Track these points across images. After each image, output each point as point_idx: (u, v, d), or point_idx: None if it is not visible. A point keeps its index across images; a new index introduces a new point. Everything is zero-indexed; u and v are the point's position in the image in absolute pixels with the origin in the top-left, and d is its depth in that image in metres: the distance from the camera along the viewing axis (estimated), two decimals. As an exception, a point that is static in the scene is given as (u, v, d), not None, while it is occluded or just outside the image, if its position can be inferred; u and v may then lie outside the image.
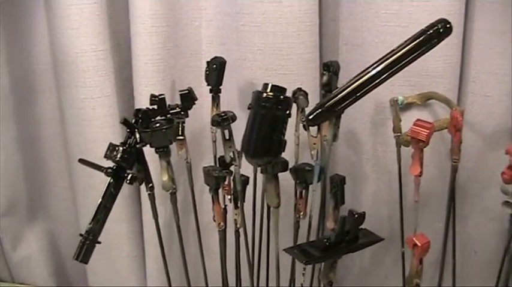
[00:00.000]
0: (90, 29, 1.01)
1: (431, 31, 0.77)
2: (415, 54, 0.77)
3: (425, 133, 0.78)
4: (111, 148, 0.76)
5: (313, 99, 0.94)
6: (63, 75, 1.06)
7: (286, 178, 0.90)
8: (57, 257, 1.31)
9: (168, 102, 0.94)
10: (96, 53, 1.02)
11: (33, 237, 1.28)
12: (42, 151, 1.24)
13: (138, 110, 0.82)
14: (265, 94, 0.66)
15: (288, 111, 0.67)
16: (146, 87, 1.01)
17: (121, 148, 0.76)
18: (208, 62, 0.96)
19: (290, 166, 0.86)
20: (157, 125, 0.81)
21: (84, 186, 1.14)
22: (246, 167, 0.86)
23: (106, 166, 0.77)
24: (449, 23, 0.77)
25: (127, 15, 1.01)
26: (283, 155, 0.89)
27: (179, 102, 0.94)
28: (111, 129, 1.07)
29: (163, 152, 0.83)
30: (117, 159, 0.75)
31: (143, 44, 0.99)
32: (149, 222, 0.95)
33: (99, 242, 0.76)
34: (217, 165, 0.94)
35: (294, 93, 0.90)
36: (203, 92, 1.01)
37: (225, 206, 0.94)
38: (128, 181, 0.77)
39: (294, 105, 0.89)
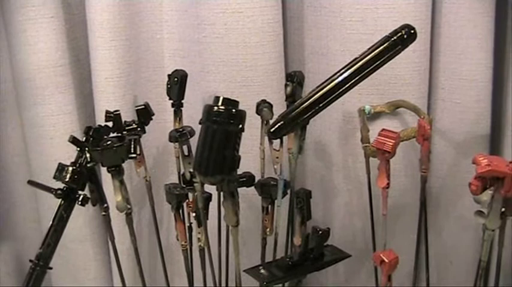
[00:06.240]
0: (47, 45, 0.97)
1: (395, 37, 0.73)
2: (379, 61, 0.73)
3: (391, 144, 0.76)
4: (60, 168, 0.73)
5: (279, 111, 0.91)
6: (23, 92, 1.02)
7: (255, 192, 0.87)
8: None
9: (130, 118, 0.91)
10: (55, 69, 0.99)
11: (1, 260, 1.24)
12: (7, 171, 1.19)
13: (89, 127, 0.79)
14: (216, 108, 0.63)
15: (240, 126, 0.64)
16: (107, 103, 0.97)
17: (70, 168, 0.72)
18: (169, 76, 0.93)
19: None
20: (108, 143, 0.78)
21: (50, 207, 1.09)
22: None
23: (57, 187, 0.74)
24: (413, 28, 0.74)
25: (86, 29, 0.98)
26: (250, 169, 0.87)
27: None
28: (73, 147, 1.02)
29: (116, 171, 0.79)
30: (67, 180, 0.72)
31: (102, 59, 0.96)
32: (116, 243, 0.92)
33: (51, 268, 0.73)
34: (181, 182, 0.91)
35: (258, 105, 0.88)
36: (167, 107, 0.98)
37: (190, 224, 0.91)
38: (79, 203, 0.74)
39: (259, 118, 0.87)
